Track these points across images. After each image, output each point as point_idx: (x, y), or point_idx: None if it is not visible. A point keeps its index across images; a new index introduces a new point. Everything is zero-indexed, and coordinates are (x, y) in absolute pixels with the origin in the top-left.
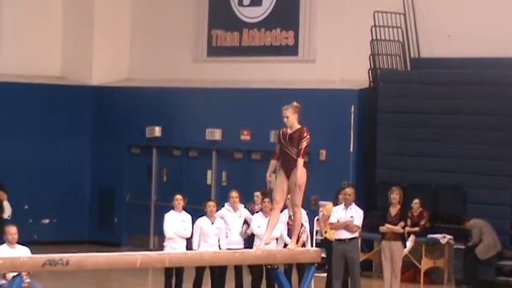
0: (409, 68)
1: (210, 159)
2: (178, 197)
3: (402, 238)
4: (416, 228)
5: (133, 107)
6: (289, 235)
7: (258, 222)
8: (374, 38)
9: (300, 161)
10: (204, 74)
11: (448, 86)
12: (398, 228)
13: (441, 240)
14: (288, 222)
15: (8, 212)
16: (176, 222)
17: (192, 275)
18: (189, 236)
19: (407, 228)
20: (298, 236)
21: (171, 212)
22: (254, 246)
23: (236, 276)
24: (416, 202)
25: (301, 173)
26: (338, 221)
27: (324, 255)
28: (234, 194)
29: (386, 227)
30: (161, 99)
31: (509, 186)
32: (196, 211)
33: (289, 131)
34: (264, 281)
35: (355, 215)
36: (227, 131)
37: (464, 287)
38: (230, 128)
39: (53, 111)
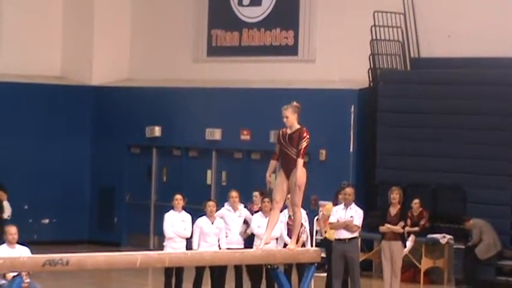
0: (409, 68)
1: (210, 159)
2: (178, 196)
3: (402, 238)
4: (416, 228)
5: (133, 107)
6: (289, 235)
7: (258, 222)
8: (374, 37)
9: (300, 161)
10: (204, 74)
11: (448, 86)
12: (398, 228)
13: (441, 240)
14: (287, 222)
15: (8, 212)
16: (176, 222)
17: (192, 274)
18: (189, 235)
19: (407, 228)
20: (298, 236)
21: (171, 211)
22: (254, 246)
23: (236, 276)
24: (416, 202)
25: (301, 173)
26: (338, 221)
27: (323, 255)
28: (234, 193)
29: (386, 227)
30: (161, 99)
31: (509, 186)
32: (196, 211)
33: (288, 131)
34: (263, 281)
35: (355, 214)
36: (227, 131)
37: (464, 287)
38: (230, 128)
39: (53, 111)
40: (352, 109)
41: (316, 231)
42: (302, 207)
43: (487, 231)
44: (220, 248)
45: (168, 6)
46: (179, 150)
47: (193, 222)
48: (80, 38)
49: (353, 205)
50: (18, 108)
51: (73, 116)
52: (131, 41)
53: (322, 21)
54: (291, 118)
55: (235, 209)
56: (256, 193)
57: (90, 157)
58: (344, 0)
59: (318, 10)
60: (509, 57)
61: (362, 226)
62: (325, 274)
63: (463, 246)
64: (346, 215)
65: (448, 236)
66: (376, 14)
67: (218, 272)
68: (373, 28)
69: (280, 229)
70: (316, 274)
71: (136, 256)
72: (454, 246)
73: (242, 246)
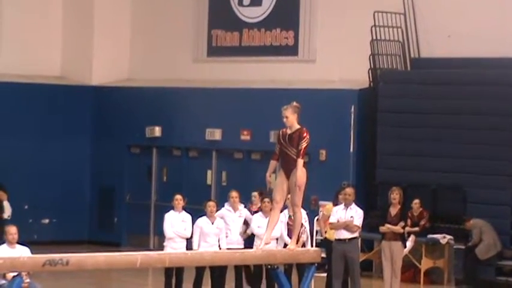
0: (409, 68)
1: (210, 159)
2: (178, 197)
3: (402, 238)
4: (417, 228)
5: (133, 107)
6: (289, 235)
7: (258, 222)
8: (374, 38)
9: (300, 162)
10: (204, 74)
11: (448, 86)
12: (398, 228)
13: (441, 240)
14: (288, 222)
15: (8, 212)
16: (176, 222)
17: (192, 275)
18: (189, 236)
19: (408, 228)
20: (298, 236)
21: (171, 212)
22: (254, 246)
23: (236, 277)
24: (416, 202)
25: (301, 173)
26: (338, 221)
27: (324, 255)
28: (234, 194)
29: (386, 227)
30: (161, 99)
31: (509, 186)
32: (196, 211)
33: (288, 131)
34: (264, 281)
35: (355, 215)
36: (227, 131)
37: (464, 287)
38: (230, 128)
39: (53, 111)
40: (352, 109)
41: (317, 232)
42: (302, 207)
43: (487, 232)
44: (220, 248)
45: (168, 6)
46: (179, 150)
47: (193, 223)
48: (80, 38)
49: (353, 205)
50: (18, 108)
51: (73, 116)
52: (131, 41)
53: (322, 22)
54: (291, 118)
55: (235, 209)
56: (255, 193)
57: (90, 157)
58: (344, 1)
59: (318, 10)
60: (509, 57)
61: (362, 226)
62: (325, 274)
63: (463, 247)
64: (346, 215)
65: (448, 236)
66: (376, 14)
67: (218, 272)
68: (373, 28)
69: (281, 229)
70: (317, 274)
71: (137, 256)
72: (454, 247)
73: (242, 247)
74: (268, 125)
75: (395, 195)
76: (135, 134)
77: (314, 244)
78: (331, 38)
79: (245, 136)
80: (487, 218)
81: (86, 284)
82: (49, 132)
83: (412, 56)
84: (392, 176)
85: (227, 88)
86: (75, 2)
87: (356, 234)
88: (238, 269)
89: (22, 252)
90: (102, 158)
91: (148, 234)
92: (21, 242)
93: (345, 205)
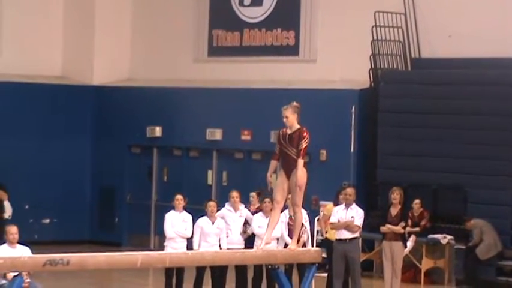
0: (409, 68)
1: (210, 159)
2: (179, 197)
3: (403, 238)
4: (417, 229)
5: (134, 106)
6: (290, 235)
7: (259, 222)
8: (375, 38)
9: (300, 162)
10: (205, 74)
11: (449, 86)
12: (399, 229)
13: (442, 241)
14: (288, 222)
15: (8, 211)
16: (177, 222)
17: (193, 275)
18: (190, 236)
19: (408, 229)
20: (299, 236)
21: (172, 212)
22: (255, 246)
23: (237, 276)
24: (417, 202)
25: (301, 173)
26: (339, 221)
27: (324, 255)
28: (235, 194)
29: (387, 227)
30: (162, 99)
31: (509, 186)
32: (196, 211)
33: (288, 131)
34: (264, 281)
35: (356, 215)
36: (228, 131)
37: (465, 287)
38: (231, 128)
39: (54, 111)
40: (353, 109)
41: (317, 232)
42: (303, 207)
43: (488, 232)
44: (221, 248)
45: (168, 6)
46: (180, 150)
47: (194, 223)
48: (81, 37)
49: (354, 205)
50: (19, 108)
51: (74, 116)
52: (132, 41)
53: (323, 22)
54: (291, 118)
55: (236, 209)
56: (253, 194)
57: (91, 157)
58: (345, 1)
59: (319, 10)
60: (510, 57)
61: (363, 226)
62: (325, 274)
63: (463, 247)
64: (346, 215)
65: (449, 236)
66: (377, 14)
67: (219, 272)
68: (374, 28)
69: (281, 229)
70: (317, 274)
71: (137, 256)
72: (455, 247)
73: (243, 247)
74: (269, 125)
75: (395, 195)
76: (136, 133)
77: (315, 244)
78: (332, 38)
79: (246, 136)
80: (487, 218)
81: (86, 284)
82: (50, 132)
83: (412, 56)
84: (393, 176)
85: (228, 88)
86: (76, 1)
87: (357, 234)
88: (238, 269)
89: (23, 252)
90: (103, 158)
91: (149, 234)
92: (21, 242)
93: (345, 205)
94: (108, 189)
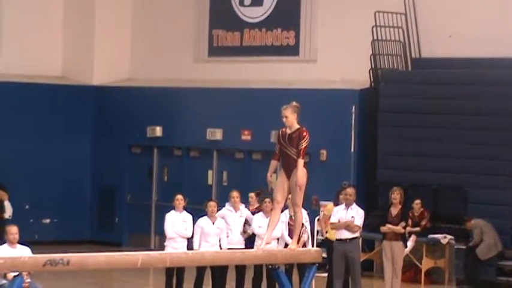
0: (410, 68)
1: (211, 159)
2: (179, 197)
3: (403, 238)
4: (417, 228)
5: (134, 106)
6: (290, 235)
7: (259, 222)
8: (375, 38)
9: (300, 162)
10: (205, 74)
11: (449, 86)
12: (399, 228)
13: (442, 241)
14: (288, 222)
15: (8, 211)
16: (177, 222)
17: (193, 274)
18: (190, 236)
19: (408, 228)
20: (299, 236)
21: (172, 212)
22: (255, 246)
23: (237, 276)
24: (417, 202)
25: (301, 173)
26: (339, 221)
27: (324, 255)
28: (235, 194)
29: (387, 227)
30: (162, 99)
31: (510, 186)
32: (197, 211)
33: (288, 131)
34: (264, 281)
35: (356, 215)
36: (228, 131)
37: (465, 287)
38: (231, 128)
39: (54, 111)
40: (353, 109)
41: (317, 232)
42: (303, 207)
43: (488, 232)
44: (221, 248)
45: (169, 6)
46: (180, 150)
47: (194, 222)
48: (81, 37)
49: (354, 205)
50: (20, 108)
51: (74, 116)
52: (132, 41)
53: (323, 22)
54: (291, 118)
55: (236, 209)
56: (251, 194)
57: (91, 157)
58: (345, 1)
59: (319, 10)
60: (510, 57)
61: (363, 226)
62: (326, 274)
63: (464, 247)
64: (347, 215)
65: (449, 236)
66: (377, 14)
67: (219, 272)
68: (374, 28)
69: (281, 229)
70: (317, 274)
71: (138, 256)
72: (455, 247)
73: (243, 246)
74: (269, 125)
75: (396, 195)
76: (136, 133)
77: (315, 244)
78: (332, 38)
79: (246, 136)
80: (487, 218)
81: (86, 284)
82: (50, 132)
83: (413, 56)
84: (393, 176)
85: (228, 88)
86: (76, 1)
87: (357, 234)
88: (239, 269)
89: (23, 252)
90: (103, 158)
91: (149, 234)
92: (22, 242)
93: (345, 205)
94: (109, 189)
